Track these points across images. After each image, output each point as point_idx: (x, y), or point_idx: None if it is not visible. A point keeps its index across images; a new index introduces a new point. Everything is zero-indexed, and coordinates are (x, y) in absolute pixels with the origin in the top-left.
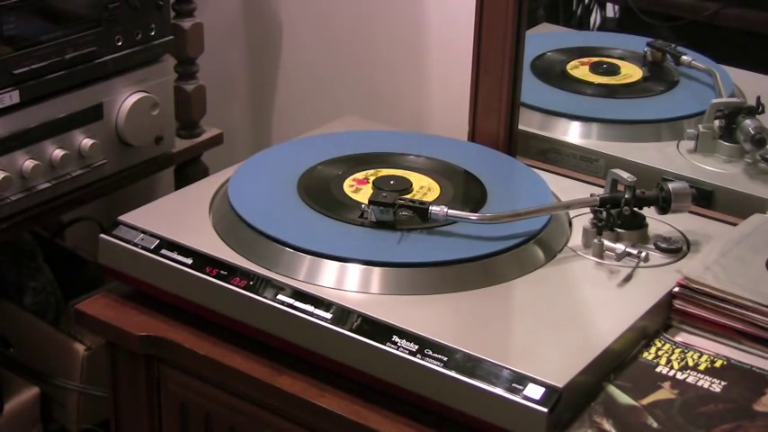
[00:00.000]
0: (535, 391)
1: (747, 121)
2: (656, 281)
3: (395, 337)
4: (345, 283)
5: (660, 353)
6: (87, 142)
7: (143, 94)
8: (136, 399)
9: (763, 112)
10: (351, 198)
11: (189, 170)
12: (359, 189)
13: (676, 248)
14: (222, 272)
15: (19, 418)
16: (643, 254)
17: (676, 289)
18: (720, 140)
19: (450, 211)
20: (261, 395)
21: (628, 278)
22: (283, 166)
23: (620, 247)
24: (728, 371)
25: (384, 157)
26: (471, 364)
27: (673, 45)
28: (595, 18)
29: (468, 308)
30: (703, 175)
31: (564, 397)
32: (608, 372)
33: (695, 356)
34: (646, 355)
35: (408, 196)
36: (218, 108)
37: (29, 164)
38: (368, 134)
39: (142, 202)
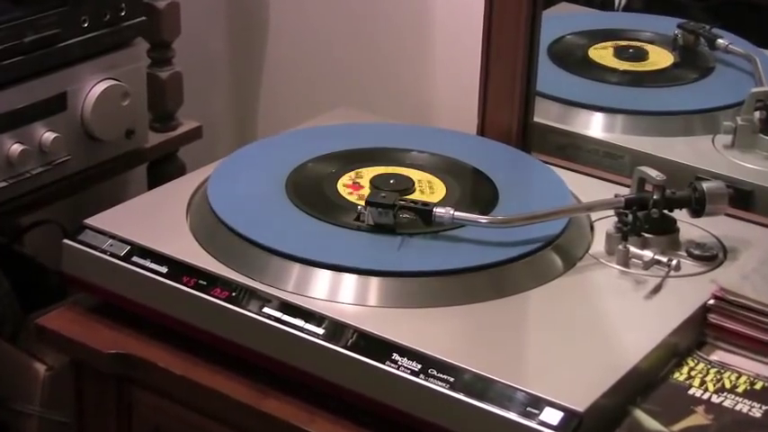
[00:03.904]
0: (553, 416)
1: None
2: (688, 292)
3: (395, 354)
4: (339, 294)
5: (693, 373)
6: (49, 136)
7: (112, 82)
8: (104, 424)
9: None
10: (345, 199)
11: (164, 167)
12: (355, 191)
13: (711, 256)
14: (201, 282)
15: None
16: (674, 262)
17: (711, 301)
18: (761, 134)
19: (457, 214)
20: (244, 420)
21: (656, 289)
22: (270, 162)
23: (647, 254)
24: None
25: (383, 152)
26: (481, 386)
27: (707, 27)
28: None
29: (477, 322)
30: (742, 174)
31: (585, 422)
32: (634, 394)
33: (733, 377)
34: (677, 375)
35: (410, 197)
36: (197, 98)
37: None
38: (365, 127)
39: (111, 204)
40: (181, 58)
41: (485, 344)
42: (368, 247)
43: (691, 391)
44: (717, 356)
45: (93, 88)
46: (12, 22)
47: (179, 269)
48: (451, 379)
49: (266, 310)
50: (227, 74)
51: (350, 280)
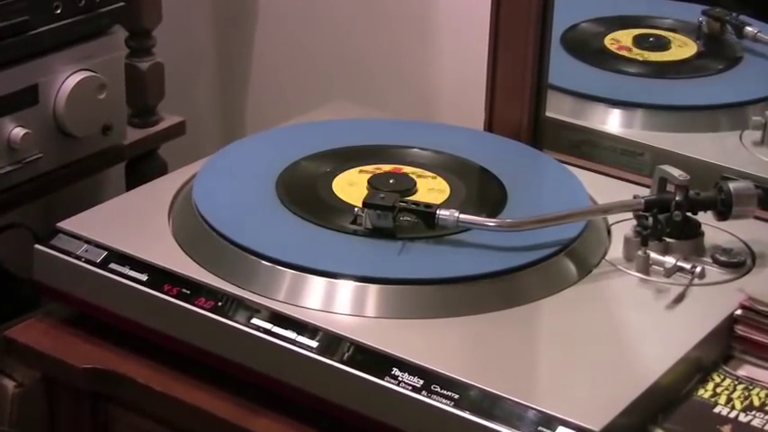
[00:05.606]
0: None
1: None
2: (713, 302)
3: (395, 369)
4: (335, 303)
5: (719, 389)
6: (19, 132)
7: (87, 74)
8: None
9: None
10: (341, 200)
11: (144, 166)
12: (352, 190)
13: (738, 262)
14: (184, 290)
15: None
16: (698, 269)
17: (738, 311)
18: None
19: (463, 216)
20: None
21: (679, 298)
22: (259, 161)
23: (669, 260)
24: None
25: (382, 150)
26: (488, 403)
27: (734, 14)
28: None
29: (484, 334)
30: None
31: None
32: (655, 412)
33: (762, 394)
34: (701, 392)
35: (411, 198)
36: (180, 91)
37: None
38: (362, 123)
39: (86, 206)
40: (162, 47)
41: (492, 358)
42: (366, 253)
43: (716, 410)
44: (744, 371)
45: (66, 80)
46: None
47: (160, 277)
48: (456, 396)
49: (255, 321)
50: (213, 64)
51: (346, 288)
